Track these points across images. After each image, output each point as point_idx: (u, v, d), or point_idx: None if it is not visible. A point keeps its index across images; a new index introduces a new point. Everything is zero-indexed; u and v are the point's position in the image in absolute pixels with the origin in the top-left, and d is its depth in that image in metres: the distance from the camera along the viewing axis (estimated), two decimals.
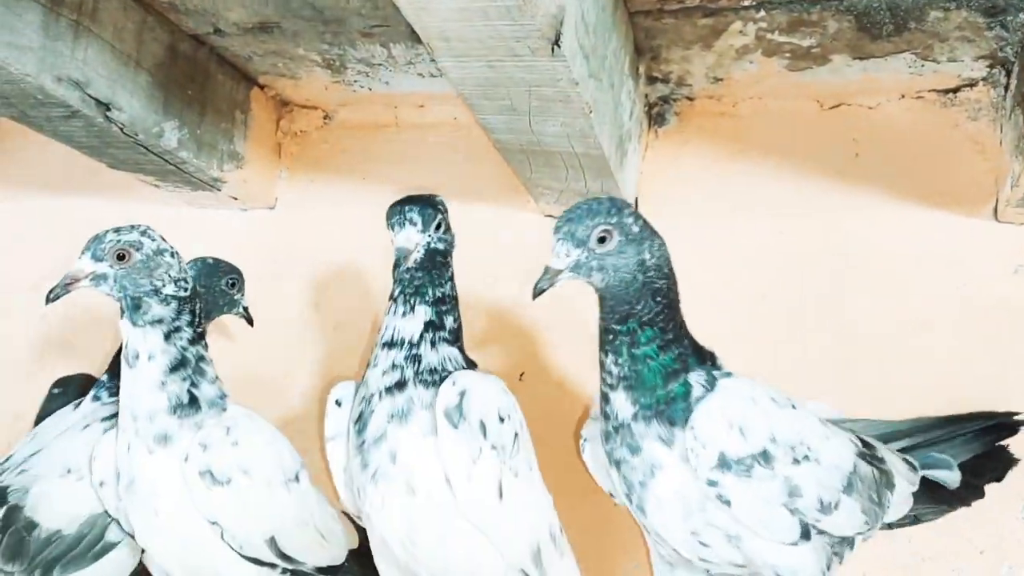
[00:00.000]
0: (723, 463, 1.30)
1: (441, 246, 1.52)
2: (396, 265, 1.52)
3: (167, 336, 1.46)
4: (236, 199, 2.20)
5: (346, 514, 1.71)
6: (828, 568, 1.42)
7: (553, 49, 1.33)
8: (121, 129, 1.77)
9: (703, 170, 2.08)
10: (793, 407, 1.40)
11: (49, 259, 2.33)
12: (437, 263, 1.51)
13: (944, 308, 1.89)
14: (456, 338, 1.53)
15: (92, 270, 1.44)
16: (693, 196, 2.07)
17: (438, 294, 1.51)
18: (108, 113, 1.72)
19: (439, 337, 1.50)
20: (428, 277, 1.51)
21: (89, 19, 1.65)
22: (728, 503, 1.31)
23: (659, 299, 1.35)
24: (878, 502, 1.44)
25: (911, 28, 1.75)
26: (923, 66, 1.86)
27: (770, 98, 2.03)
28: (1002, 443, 1.61)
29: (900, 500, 1.49)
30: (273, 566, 1.55)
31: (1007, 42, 1.74)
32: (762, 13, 1.75)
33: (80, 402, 1.79)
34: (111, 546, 1.57)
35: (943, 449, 1.60)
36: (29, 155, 2.44)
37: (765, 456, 1.32)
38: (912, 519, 1.57)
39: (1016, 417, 1.61)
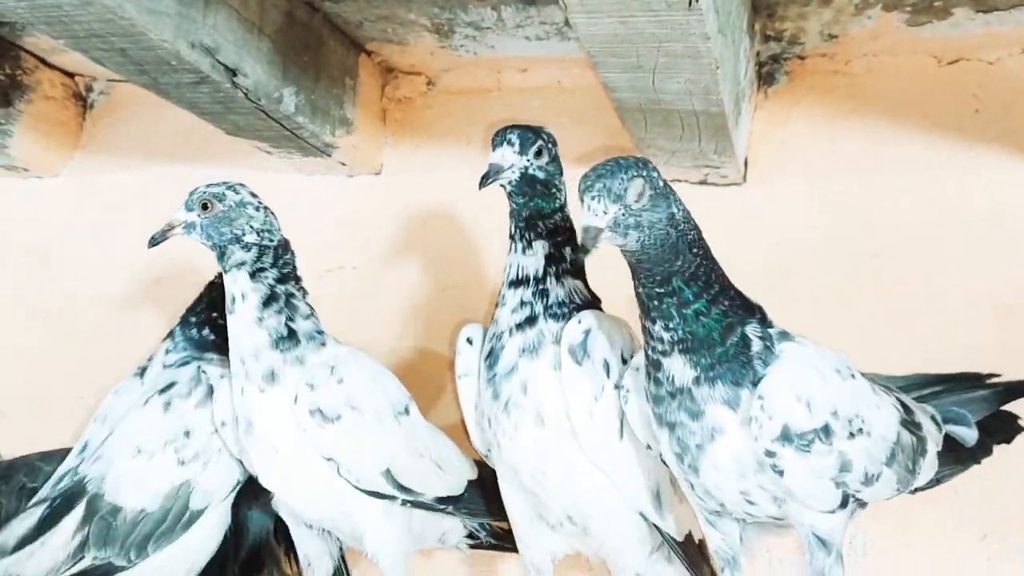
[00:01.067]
0: (785, 436, 1.29)
1: (541, 175, 1.52)
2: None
3: (252, 275, 1.56)
4: (344, 164, 2.23)
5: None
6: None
7: (691, 3, 1.33)
8: (246, 94, 1.81)
9: (814, 130, 2.06)
10: (852, 376, 1.38)
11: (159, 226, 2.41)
12: (539, 192, 1.52)
13: None
14: (578, 270, 1.55)
15: (184, 219, 1.57)
16: (804, 156, 2.06)
17: (550, 225, 1.53)
18: (235, 79, 1.76)
19: (562, 269, 1.53)
20: (535, 207, 1.52)
21: None
22: (781, 473, 1.31)
23: (695, 251, 1.31)
24: (911, 470, 1.44)
25: None
26: None
27: (885, 55, 2.00)
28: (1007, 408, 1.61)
29: (928, 465, 1.49)
30: (393, 498, 1.59)
31: None
32: None
33: (144, 368, 1.86)
34: (198, 514, 1.63)
35: (960, 404, 1.59)
36: (141, 125, 2.50)
37: (826, 431, 1.30)
38: (935, 482, 1.55)
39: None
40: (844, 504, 1.37)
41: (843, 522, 1.40)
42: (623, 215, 1.26)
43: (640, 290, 1.34)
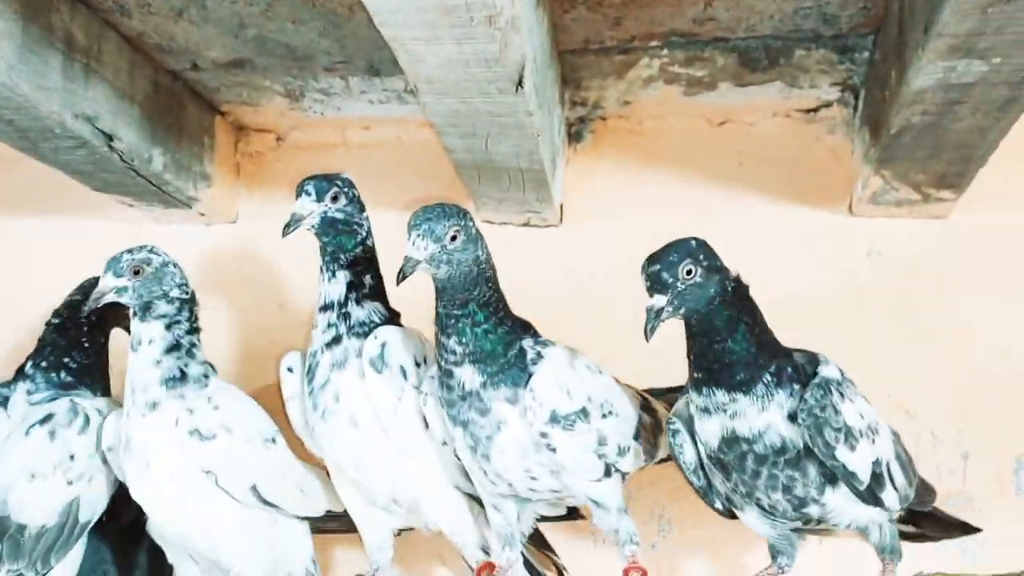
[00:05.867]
0: (553, 418, 1.65)
1: (339, 215, 1.81)
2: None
3: (168, 327, 1.79)
4: (203, 215, 2.44)
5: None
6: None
7: (517, 89, 1.67)
8: (120, 156, 2.00)
9: (615, 179, 2.46)
10: (600, 372, 1.76)
11: (30, 273, 2.53)
12: (340, 230, 1.81)
13: (810, 289, 2.33)
14: (377, 293, 1.84)
15: (115, 285, 1.77)
16: (608, 201, 2.45)
17: (350, 258, 1.81)
18: (111, 143, 1.95)
19: (361, 295, 1.81)
20: (336, 243, 1.81)
21: (95, 61, 1.88)
22: (554, 450, 1.66)
23: (490, 285, 1.66)
24: (654, 443, 1.83)
25: (781, 63, 2.19)
26: (791, 91, 2.29)
27: (669, 117, 2.43)
28: None
29: (665, 442, 1.86)
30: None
31: (855, 72, 2.20)
32: (665, 51, 2.16)
33: (6, 399, 1.98)
34: (86, 525, 1.86)
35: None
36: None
37: (584, 412, 1.67)
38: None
39: None
40: (608, 474, 1.72)
41: (613, 488, 1.74)
42: (439, 252, 1.59)
43: (441, 310, 1.65)
